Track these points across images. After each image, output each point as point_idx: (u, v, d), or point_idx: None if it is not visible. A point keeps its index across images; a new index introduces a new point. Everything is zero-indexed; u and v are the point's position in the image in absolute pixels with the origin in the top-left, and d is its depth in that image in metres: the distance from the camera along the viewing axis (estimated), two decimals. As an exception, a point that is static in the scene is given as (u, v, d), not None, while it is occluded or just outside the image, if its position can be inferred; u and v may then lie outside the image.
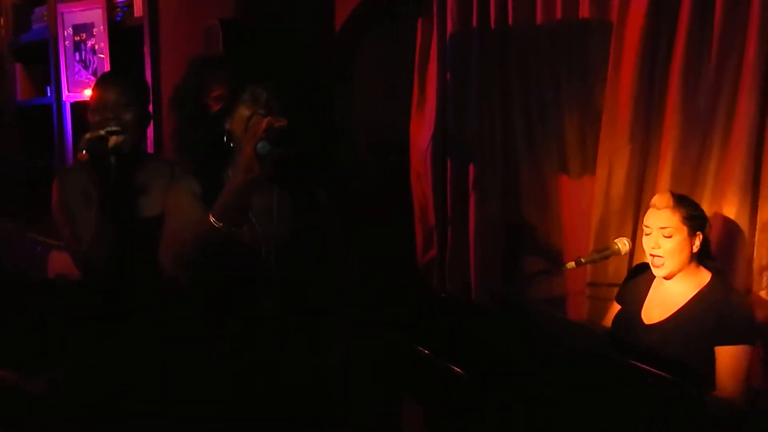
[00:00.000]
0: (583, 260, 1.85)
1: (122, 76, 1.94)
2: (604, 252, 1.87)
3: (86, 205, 1.76)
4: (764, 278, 1.88)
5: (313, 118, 1.72)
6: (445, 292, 2.51)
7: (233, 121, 1.52)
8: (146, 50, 2.62)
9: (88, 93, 2.56)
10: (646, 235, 1.71)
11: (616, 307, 1.87)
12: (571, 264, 1.84)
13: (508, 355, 1.55)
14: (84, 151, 1.66)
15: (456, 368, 1.56)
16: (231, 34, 2.22)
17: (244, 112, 1.50)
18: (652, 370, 1.31)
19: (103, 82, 1.86)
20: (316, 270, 1.60)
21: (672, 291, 1.72)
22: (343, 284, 1.68)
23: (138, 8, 2.73)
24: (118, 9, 2.87)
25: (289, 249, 1.55)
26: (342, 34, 2.56)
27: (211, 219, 1.39)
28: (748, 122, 1.87)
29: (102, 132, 1.70)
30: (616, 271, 2.09)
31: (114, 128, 1.73)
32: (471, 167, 2.46)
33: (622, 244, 1.86)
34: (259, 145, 1.34)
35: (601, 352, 1.47)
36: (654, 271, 1.70)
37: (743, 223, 1.91)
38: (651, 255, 1.70)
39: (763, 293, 1.88)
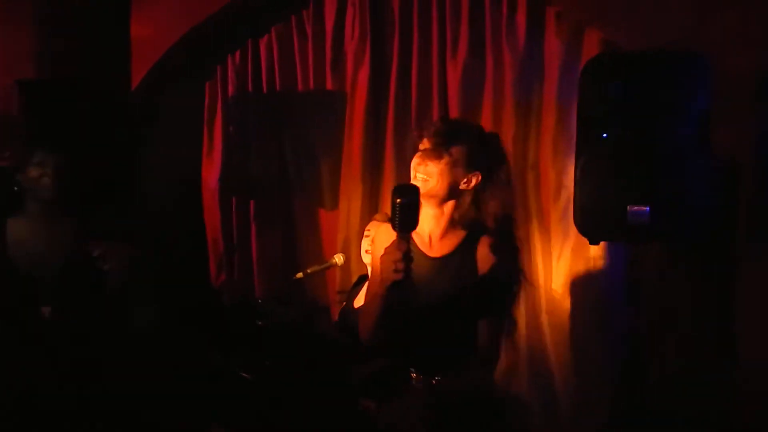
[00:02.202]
0: (309, 271, 2.39)
1: None
2: (324, 265, 2.47)
3: None
4: None
5: (107, 168, 2.21)
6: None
7: (24, 178, 1.95)
8: (-53, 102, 2.85)
9: None
10: None
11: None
12: (300, 274, 2.40)
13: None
14: None
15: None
16: (28, 94, 2.56)
17: (33, 173, 1.93)
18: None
19: None
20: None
21: None
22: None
23: (-61, 62, 2.95)
24: None
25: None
26: (139, 91, 3.00)
27: None
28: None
29: None
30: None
31: None
32: (252, 202, 3.03)
33: (338, 258, 2.46)
34: (43, 193, 1.83)
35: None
36: None
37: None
38: None
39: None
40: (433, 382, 1.71)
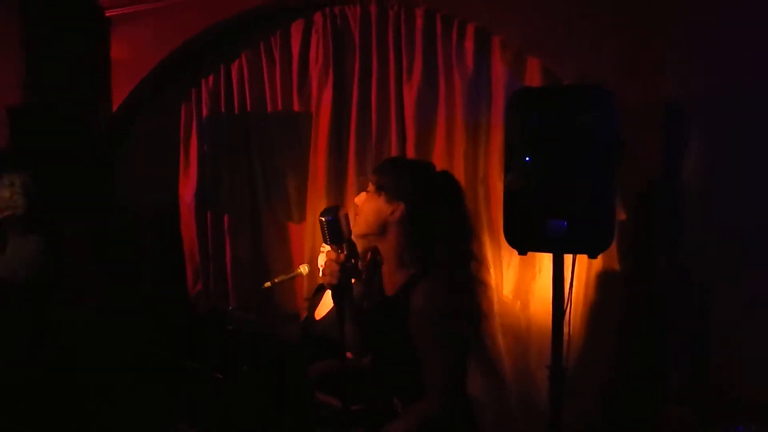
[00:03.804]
0: (276, 280, 2.58)
1: None
2: (291, 274, 2.66)
3: None
4: None
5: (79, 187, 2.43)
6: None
7: None
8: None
9: None
10: None
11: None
12: (268, 284, 2.59)
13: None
14: None
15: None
16: (16, 120, 2.76)
17: (5, 193, 2.15)
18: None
19: None
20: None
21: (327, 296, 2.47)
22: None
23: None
24: None
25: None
26: (119, 113, 3.20)
27: None
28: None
29: None
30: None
31: None
32: (225, 216, 3.23)
33: (303, 269, 2.67)
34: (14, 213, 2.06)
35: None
36: None
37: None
38: None
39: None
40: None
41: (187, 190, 3.28)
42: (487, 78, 2.73)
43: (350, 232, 1.69)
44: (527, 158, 1.86)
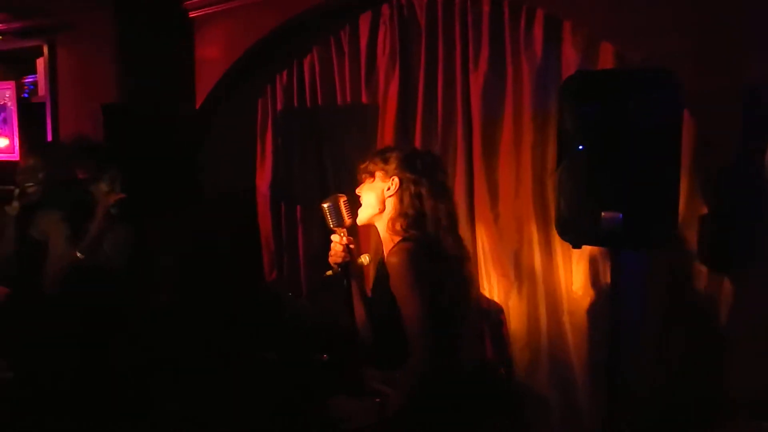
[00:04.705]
0: (339, 269, 2.65)
1: (39, 149, 2.77)
2: None
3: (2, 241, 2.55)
4: None
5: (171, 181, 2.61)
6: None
7: (96, 190, 2.38)
8: (48, 122, 3.37)
9: (0, 155, 3.31)
10: None
11: None
12: (329, 272, 2.64)
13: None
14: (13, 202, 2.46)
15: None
16: (110, 116, 3.00)
17: (103, 187, 2.35)
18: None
19: (25, 153, 2.68)
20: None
21: None
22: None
23: (41, 88, 3.49)
24: (26, 87, 3.61)
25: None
26: (201, 110, 3.39)
27: (77, 253, 2.26)
28: (462, 168, 2.82)
29: (17, 189, 2.52)
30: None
31: (29, 185, 2.54)
32: (298, 207, 3.33)
33: (364, 258, 2.67)
34: (110, 207, 2.24)
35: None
36: None
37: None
38: None
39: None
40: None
41: (263, 181, 3.42)
42: (557, 65, 2.62)
43: (350, 218, 1.99)
44: (580, 147, 1.77)
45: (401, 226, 1.94)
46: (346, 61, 3.12)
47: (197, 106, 3.37)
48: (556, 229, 1.89)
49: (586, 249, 2.63)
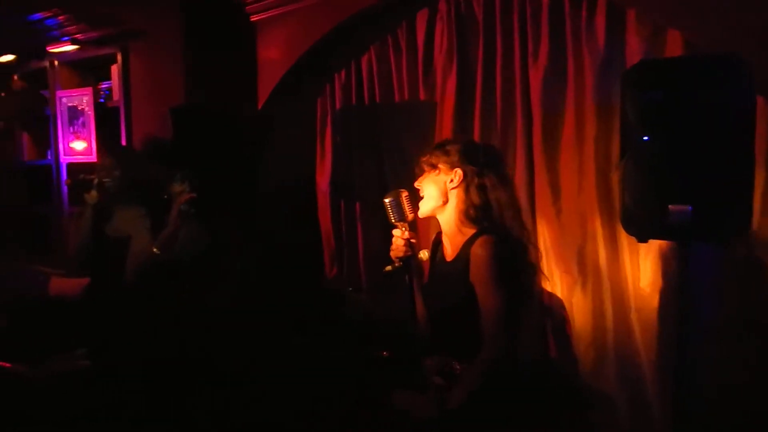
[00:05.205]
0: (397, 264, 2.66)
1: (115, 150, 2.94)
2: None
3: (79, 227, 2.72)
4: None
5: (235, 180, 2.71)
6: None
7: (172, 188, 2.50)
8: (122, 125, 3.55)
9: (78, 157, 3.51)
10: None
11: None
12: (389, 267, 2.65)
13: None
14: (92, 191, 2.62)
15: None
16: (178, 118, 3.14)
17: (176, 188, 2.47)
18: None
19: (102, 153, 2.85)
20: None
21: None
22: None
23: (116, 93, 3.67)
24: (102, 93, 3.82)
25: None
26: (263, 110, 3.49)
27: (154, 249, 2.37)
28: (522, 163, 2.78)
29: (96, 179, 2.68)
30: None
31: (106, 180, 2.69)
32: (357, 204, 3.37)
33: (423, 254, 2.67)
34: (182, 206, 2.34)
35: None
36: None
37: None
38: None
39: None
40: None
41: (323, 179, 3.48)
42: (621, 55, 2.54)
43: (412, 213, 2.01)
44: (645, 138, 1.72)
45: (470, 218, 1.98)
46: (403, 58, 3.13)
47: (259, 107, 3.47)
48: (621, 223, 1.84)
49: (654, 243, 2.54)
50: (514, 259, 1.92)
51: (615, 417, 2.64)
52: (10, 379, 2.96)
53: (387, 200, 2.02)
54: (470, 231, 2.00)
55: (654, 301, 2.57)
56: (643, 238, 1.83)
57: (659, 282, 2.55)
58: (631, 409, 2.61)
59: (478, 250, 1.90)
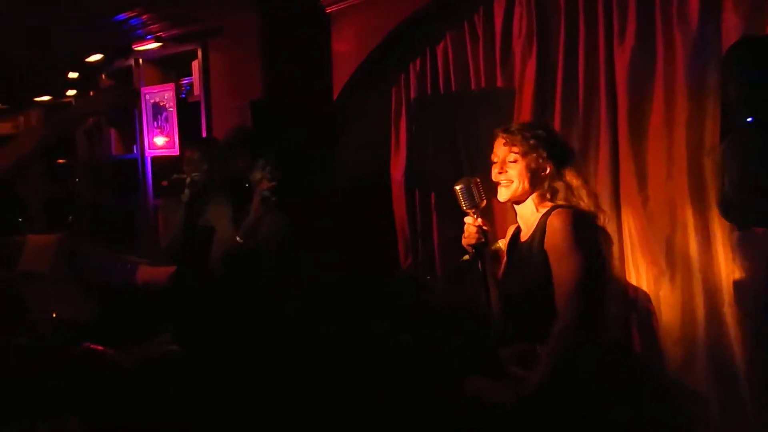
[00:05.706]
0: (473, 251, 2.62)
1: (200, 143, 3.06)
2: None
3: (170, 221, 2.84)
4: None
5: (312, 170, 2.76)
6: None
7: (253, 177, 2.57)
8: (203, 119, 3.68)
9: (162, 150, 3.66)
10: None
11: None
12: (466, 257, 2.61)
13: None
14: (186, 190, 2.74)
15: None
16: (257, 112, 3.21)
17: (257, 175, 2.53)
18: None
19: (188, 147, 2.98)
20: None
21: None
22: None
23: (196, 88, 3.80)
24: (183, 88, 3.96)
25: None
26: (338, 100, 3.51)
27: (237, 238, 2.45)
28: (606, 149, 2.67)
29: (188, 177, 2.79)
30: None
31: (195, 174, 2.81)
32: (432, 194, 3.35)
33: (501, 243, 2.63)
34: (264, 193, 2.40)
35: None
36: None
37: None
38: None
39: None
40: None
41: (398, 168, 3.47)
42: (716, 35, 2.37)
43: (484, 200, 2.05)
44: (749, 119, 1.61)
45: (551, 199, 2.01)
46: (480, 45, 3.07)
47: (334, 98, 3.49)
48: (719, 209, 1.74)
49: (752, 233, 2.40)
50: (589, 232, 1.92)
51: (705, 416, 2.51)
52: (104, 362, 3.22)
53: (458, 187, 2.06)
54: (545, 208, 2.03)
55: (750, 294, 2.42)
56: (744, 226, 1.72)
57: (756, 274, 2.39)
58: (723, 408, 2.48)
59: (553, 219, 1.93)
